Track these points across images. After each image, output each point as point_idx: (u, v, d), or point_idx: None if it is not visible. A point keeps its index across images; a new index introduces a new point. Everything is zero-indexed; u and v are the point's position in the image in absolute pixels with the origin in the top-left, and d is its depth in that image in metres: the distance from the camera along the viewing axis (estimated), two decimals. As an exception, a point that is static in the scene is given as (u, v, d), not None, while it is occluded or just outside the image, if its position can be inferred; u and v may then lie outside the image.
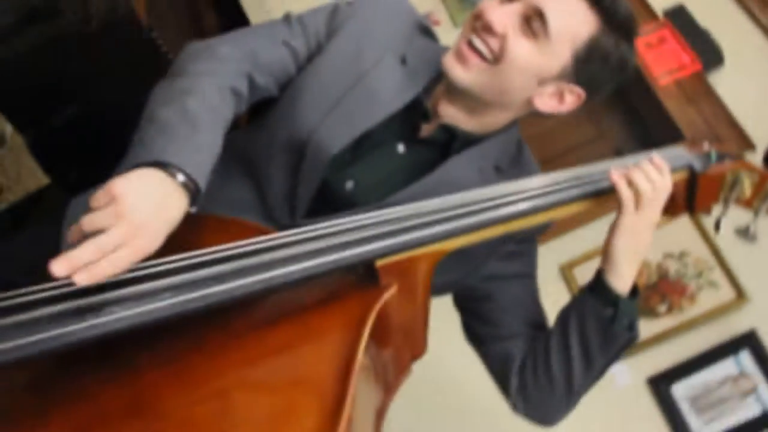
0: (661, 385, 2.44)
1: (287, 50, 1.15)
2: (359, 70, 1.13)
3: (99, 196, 0.86)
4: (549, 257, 2.64)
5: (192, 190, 0.93)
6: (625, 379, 2.49)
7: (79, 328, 0.86)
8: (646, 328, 2.51)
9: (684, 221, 2.63)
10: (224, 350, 0.91)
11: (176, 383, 0.89)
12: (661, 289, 2.57)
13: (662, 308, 2.56)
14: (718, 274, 2.54)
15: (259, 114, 1.22)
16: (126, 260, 0.84)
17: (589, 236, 2.59)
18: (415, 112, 1.15)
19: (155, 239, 0.88)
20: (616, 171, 1.09)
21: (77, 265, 0.81)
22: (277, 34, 1.15)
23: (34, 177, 2.37)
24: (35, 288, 0.89)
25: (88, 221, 0.85)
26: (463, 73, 1.09)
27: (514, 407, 1.16)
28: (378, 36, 1.15)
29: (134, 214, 0.85)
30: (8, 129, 2.25)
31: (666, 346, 2.50)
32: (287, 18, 1.18)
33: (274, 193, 1.14)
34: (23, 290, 0.89)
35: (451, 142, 1.15)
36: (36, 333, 0.84)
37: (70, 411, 0.89)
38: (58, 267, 0.80)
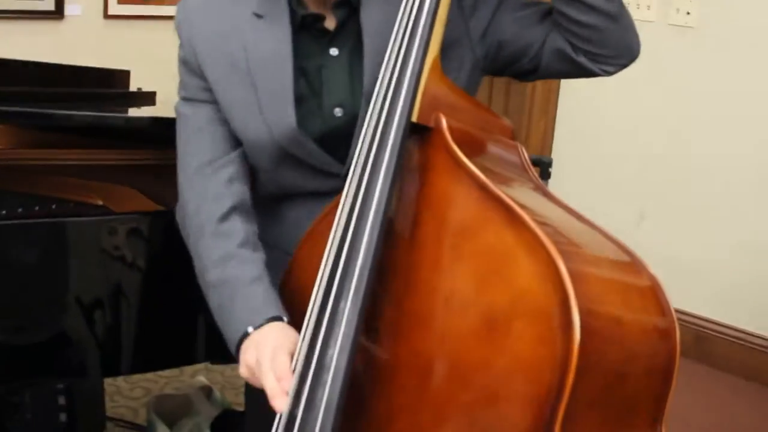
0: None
1: (211, 127, 1.22)
2: (241, 65, 1.18)
3: (247, 380, 1.11)
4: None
5: (267, 321, 1.10)
6: None
7: (330, 388, 0.97)
8: None
9: None
10: (415, 274, 0.99)
11: (416, 331, 0.98)
12: None
13: None
14: None
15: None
16: (281, 358, 1.02)
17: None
18: (309, 23, 1.18)
19: (280, 337, 1.07)
20: None
21: (276, 390, 1.00)
22: (190, 129, 1.23)
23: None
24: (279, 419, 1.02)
25: (264, 386, 1.03)
26: None
27: (605, 72, 1.16)
28: (222, 29, 1.19)
29: (254, 357, 1.06)
30: (202, 379, 2.43)
31: None
32: (177, 112, 1.26)
33: (314, 187, 1.22)
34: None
35: (351, 5, 1.17)
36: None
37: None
38: (279, 404, 0.99)
